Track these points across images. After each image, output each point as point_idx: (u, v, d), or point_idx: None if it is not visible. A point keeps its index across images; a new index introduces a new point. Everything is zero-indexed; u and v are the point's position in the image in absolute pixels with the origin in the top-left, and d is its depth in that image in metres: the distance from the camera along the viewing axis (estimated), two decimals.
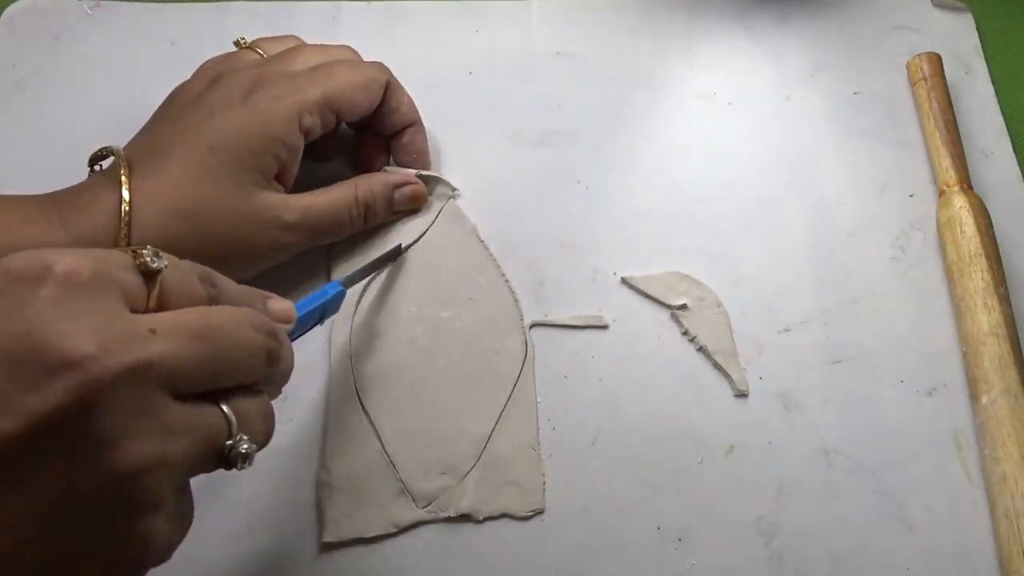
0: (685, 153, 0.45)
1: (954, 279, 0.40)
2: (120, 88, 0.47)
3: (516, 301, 0.40)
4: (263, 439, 0.25)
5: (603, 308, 0.40)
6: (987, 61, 0.48)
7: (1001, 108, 0.47)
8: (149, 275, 0.23)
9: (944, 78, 0.46)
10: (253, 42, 0.41)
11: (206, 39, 0.49)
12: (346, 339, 0.39)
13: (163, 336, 0.22)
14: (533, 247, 0.42)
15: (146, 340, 0.21)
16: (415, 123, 0.42)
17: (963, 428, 0.37)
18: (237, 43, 0.41)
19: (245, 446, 0.24)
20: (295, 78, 0.37)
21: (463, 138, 0.45)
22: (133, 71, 0.48)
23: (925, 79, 0.45)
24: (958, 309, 0.39)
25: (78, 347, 0.20)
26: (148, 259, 0.23)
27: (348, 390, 0.38)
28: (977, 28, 0.50)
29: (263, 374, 0.25)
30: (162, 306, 0.23)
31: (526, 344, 0.39)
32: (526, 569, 0.35)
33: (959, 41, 0.49)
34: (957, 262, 0.40)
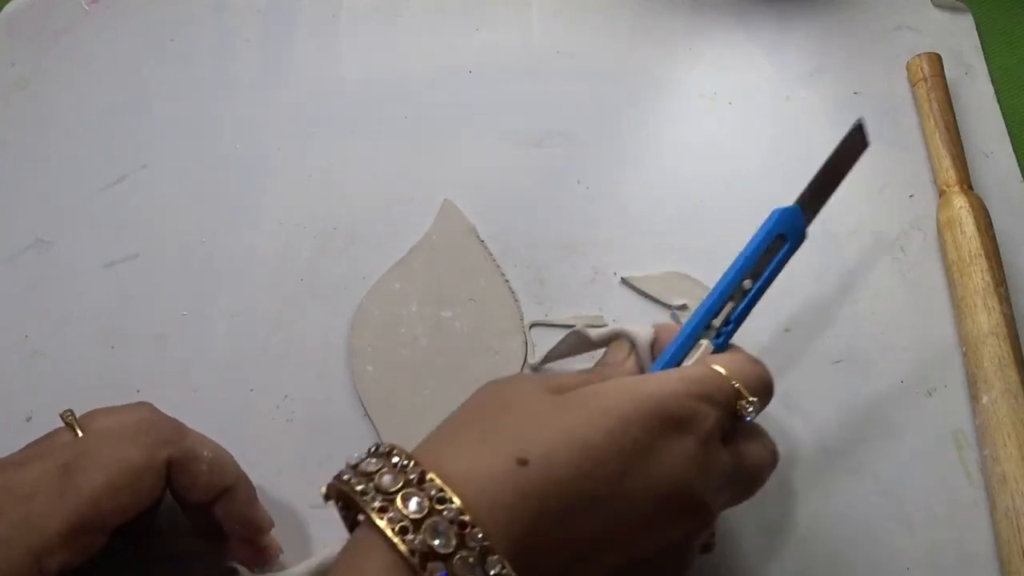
0: (685, 153, 0.45)
1: (954, 279, 0.40)
2: (119, 85, 0.47)
3: (516, 301, 0.40)
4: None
5: (603, 308, 0.40)
6: (987, 61, 0.48)
7: (1001, 108, 0.47)
8: (738, 417, 0.28)
9: (944, 78, 0.45)
10: (85, 415, 0.31)
11: (204, 36, 0.49)
12: (346, 339, 0.39)
13: (736, 483, 0.28)
14: (533, 247, 0.42)
15: (726, 489, 0.28)
16: (227, 488, 0.32)
17: (963, 428, 0.37)
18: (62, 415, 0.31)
19: (713, 539, 0.31)
20: (30, 500, 0.27)
21: (463, 138, 0.45)
22: (132, 68, 0.48)
23: (925, 79, 0.45)
24: (958, 309, 0.39)
25: (706, 503, 0.26)
26: (744, 411, 0.28)
27: (348, 390, 0.38)
28: (977, 28, 0.50)
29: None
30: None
31: (526, 344, 0.39)
32: None
33: (959, 41, 0.49)
34: (957, 262, 0.40)
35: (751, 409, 0.28)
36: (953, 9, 0.50)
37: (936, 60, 0.46)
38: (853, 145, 0.34)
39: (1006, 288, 0.39)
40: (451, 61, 0.48)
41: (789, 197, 0.45)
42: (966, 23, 0.50)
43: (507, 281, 0.41)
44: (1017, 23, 0.50)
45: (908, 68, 0.47)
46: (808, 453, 0.37)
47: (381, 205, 0.44)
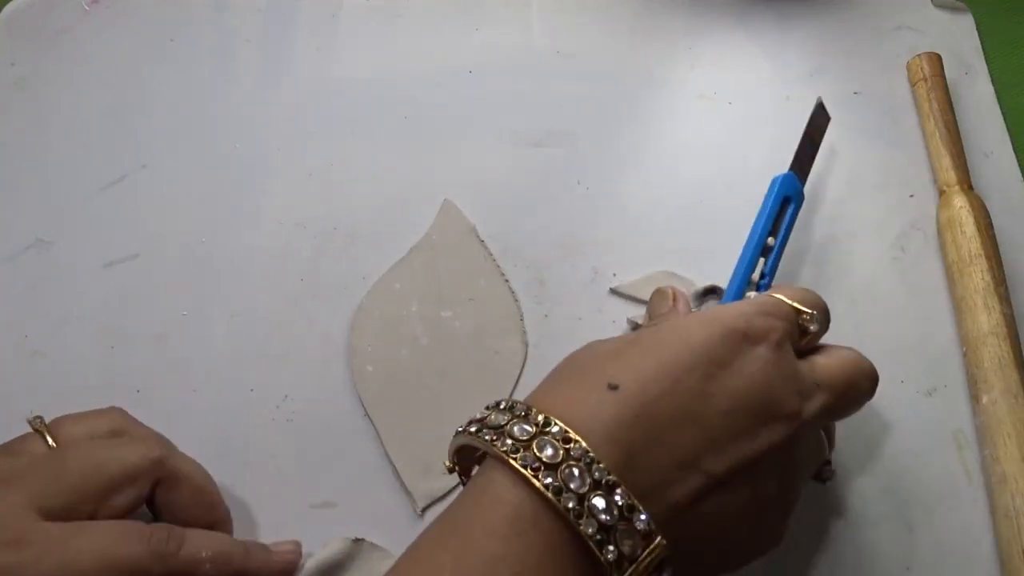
0: (685, 153, 0.45)
1: (954, 279, 0.40)
2: (119, 85, 0.47)
3: (516, 301, 0.40)
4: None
5: (603, 308, 0.40)
6: (987, 61, 0.48)
7: (1001, 108, 0.47)
8: (804, 331, 0.31)
9: (944, 78, 0.45)
10: (53, 422, 0.32)
11: (204, 36, 0.49)
12: (346, 339, 0.39)
13: (823, 390, 0.29)
14: (533, 247, 0.42)
15: (814, 396, 0.29)
16: (211, 524, 0.33)
17: (963, 428, 0.37)
18: (30, 422, 0.32)
19: (830, 470, 0.33)
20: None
21: (463, 138, 0.45)
22: (132, 68, 0.48)
23: (925, 79, 0.45)
24: (958, 309, 0.39)
25: (792, 407, 0.28)
26: (808, 323, 0.31)
27: (348, 390, 0.38)
28: (977, 28, 0.50)
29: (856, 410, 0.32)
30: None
31: (526, 344, 0.39)
32: None
33: (959, 41, 0.49)
34: (957, 262, 0.40)
35: (812, 320, 0.30)
36: (953, 9, 0.50)
37: (936, 60, 0.46)
38: (820, 120, 0.40)
39: (1006, 288, 0.39)
40: (451, 61, 0.48)
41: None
42: (966, 23, 0.50)
43: (507, 281, 0.41)
44: (1017, 23, 0.50)
45: (908, 68, 0.47)
46: None
47: (381, 205, 0.44)
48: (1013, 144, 0.45)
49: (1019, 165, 0.45)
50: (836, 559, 0.35)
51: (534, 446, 0.25)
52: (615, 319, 0.40)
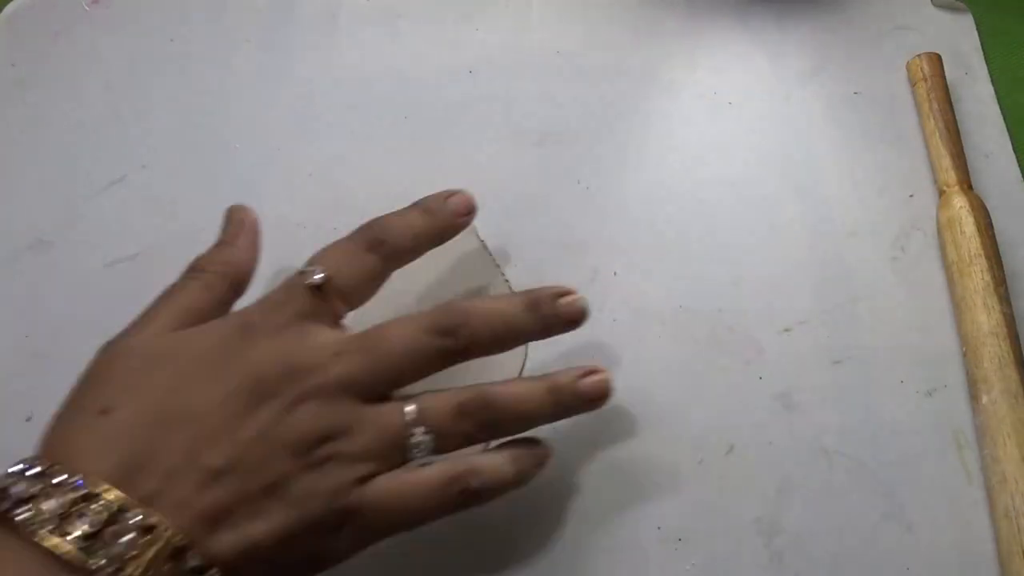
0: (685, 152, 0.45)
1: (954, 279, 0.40)
2: (119, 85, 0.47)
3: None
4: (443, 426, 0.30)
5: (603, 308, 0.40)
6: (987, 61, 0.48)
7: (1001, 108, 0.47)
8: (319, 287, 0.31)
9: (944, 78, 0.46)
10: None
11: (204, 36, 0.49)
12: None
13: (346, 356, 0.30)
14: (533, 247, 0.42)
15: (293, 380, 0.29)
16: None
17: (963, 428, 0.37)
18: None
19: (418, 437, 0.29)
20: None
21: (463, 138, 0.45)
22: (132, 68, 0.48)
23: (925, 79, 0.45)
24: (958, 309, 0.39)
25: (268, 387, 0.29)
26: (309, 278, 0.31)
27: None
28: (977, 28, 0.50)
29: (441, 366, 0.31)
30: (347, 299, 0.32)
31: (526, 344, 0.39)
32: (526, 569, 0.35)
33: (959, 41, 0.49)
34: (957, 262, 0.40)
35: (311, 274, 0.32)
36: (953, 9, 0.50)
37: (936, 60, 0.46)
38: None
39: (1006, 288, 0.39)
40: (451, 61, 0.48)
41: (788, 197, 0.45)
42: (966, 23, 0.50)
43: (507, 281, 0.41)
44: (1017, 23, 0.50)
45: (908, 68, 0.47)
46: (808, 453, 0.37)
47: (381, 205, 0.44)
48: (1013, 144, 0.45)
49: (1019, 165, 0.45)
50: (836, 559, 0.35)
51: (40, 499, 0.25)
52: (615, 318, 0.40)
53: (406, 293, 0.40)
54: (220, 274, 0.33)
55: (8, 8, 0.49)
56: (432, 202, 0.36)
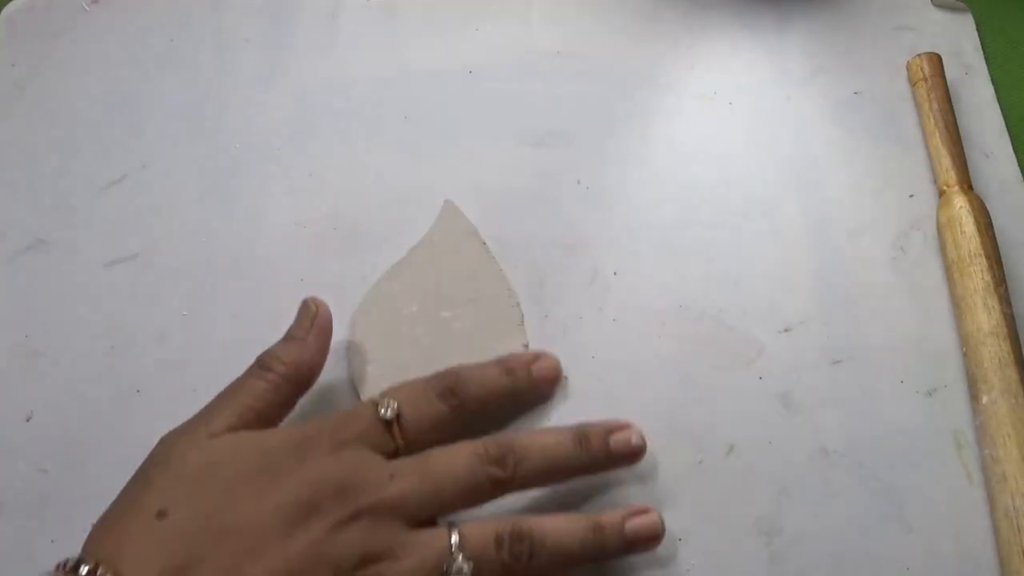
0: (685, 153, 0.45)
1: (954, 279, 0.40)
2: (119, 85, 0.47)
3: (516, 302, 0.40)
4: (482, 555, 0.30)
5: (603, 308, 0.40)
6: (987, 61, 0.48)
7: (1001, 108, 0.47)
8: (388, 423, 0.32)
9: (944, 78, 0.45)
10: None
11: (204, 36, 0.49)
12: (346, 339, 0.39)
13: (399, 479, 0.30)
14: (533, 247, 0.42)
15: (384, 485, 0.30)
16: None
17: (963, 428, 0.37)
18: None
19: (458, 564, 0.29)
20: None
21: (463, 138, 0.45)
22: (132, 68, 0.48)
23: (925, 79, 0.45)
24: (958, 309, 0.39)
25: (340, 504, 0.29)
26: (381, 411, 0.32)
27: (348, 390, 0.38)
28: (977, 28, 0.49)
29: (490, 497, 0.32)
30: (407, 438, 0.32)
31: (526, 344, 0.39)
32: None
33: (959, 41, 0.49)
34: (957, 262, 0.40)
35: (386, 406, 0.33)
36: (953, 9, 0.50)
37: (936, 60, 0.46)
38: None
39: (1006, 288, 0.39)
40: (451, 61, 0.48)
41: (788, 197, 0.45)
42: (966, 23, 0.50)
43: (507, 281, 0.41)
44: (1017, 23, 0.50)
45: (908, 68, 0.47)
46: (808, 453, 0.37)
47: (381, 205, 0.44)
48: (1013, 144, 0.45)
49: (1019, 165, 0.45)
50: (836, 559, 0.35)
51: None
52: (615, 318, 0.40)
53: (407, 294, 0.40)
54: (286, 376, 0.34)
55: (8, 8, 0.49)
56: (516, 363, 0.37)
